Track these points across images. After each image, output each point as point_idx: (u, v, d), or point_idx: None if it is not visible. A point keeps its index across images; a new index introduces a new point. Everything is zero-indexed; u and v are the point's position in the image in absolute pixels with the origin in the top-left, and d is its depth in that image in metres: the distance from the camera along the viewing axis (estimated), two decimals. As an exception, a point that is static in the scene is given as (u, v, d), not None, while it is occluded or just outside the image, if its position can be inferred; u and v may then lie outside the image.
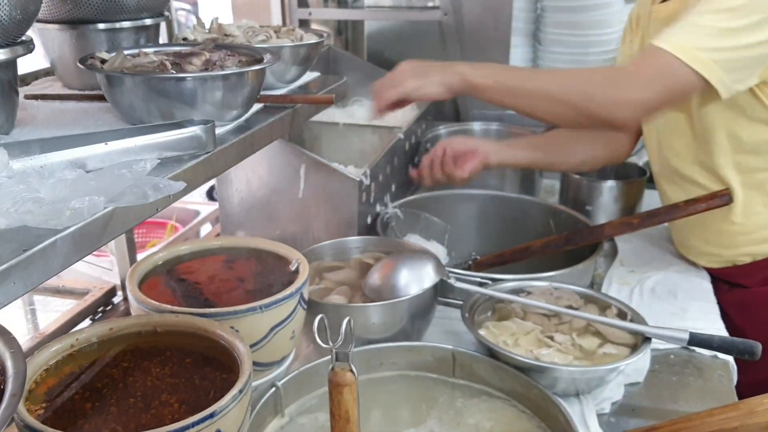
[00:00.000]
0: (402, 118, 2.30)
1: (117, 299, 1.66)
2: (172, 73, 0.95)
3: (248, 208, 1.81)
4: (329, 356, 0.93)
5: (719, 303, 1.66)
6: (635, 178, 2.05)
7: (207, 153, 0.90)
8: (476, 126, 2.47)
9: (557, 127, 2.12)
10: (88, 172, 0.78)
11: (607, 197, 2.00)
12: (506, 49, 2.48)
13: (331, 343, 0.86)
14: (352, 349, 0.87)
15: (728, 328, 1.56)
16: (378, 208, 1.86)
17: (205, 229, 2.57)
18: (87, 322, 1.57)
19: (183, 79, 0.92)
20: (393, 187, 1.99)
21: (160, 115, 0.95)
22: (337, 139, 2.14)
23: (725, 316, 1.61)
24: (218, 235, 1.92)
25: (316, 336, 0.86)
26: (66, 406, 0.99)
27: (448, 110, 2.59)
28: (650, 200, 2.11)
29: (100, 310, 1.60)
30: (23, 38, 0.93)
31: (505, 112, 2.51)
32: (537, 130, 2.30)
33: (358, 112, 2.36)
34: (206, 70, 0.97)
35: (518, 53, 2.52)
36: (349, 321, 0.87)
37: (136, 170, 0.65)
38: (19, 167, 0.73)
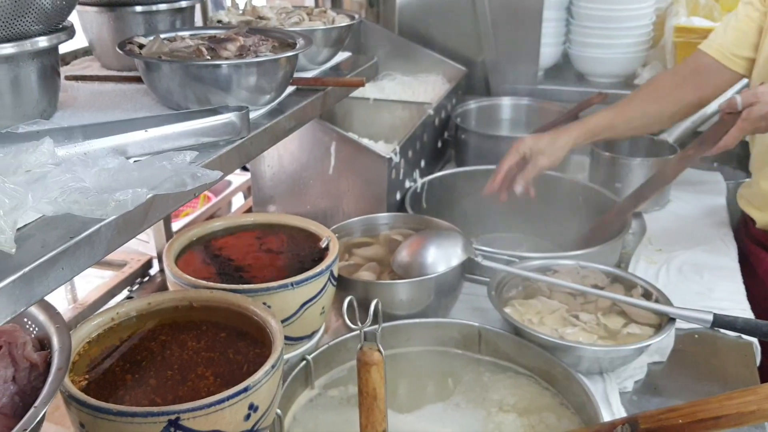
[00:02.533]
0: (433, 92, 2.31)
1: (153, 271, 1.71)
2: (208, 59, 0.98)
3: (279, 183, 1.84)
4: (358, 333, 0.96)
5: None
6: (666, 156, 2.04)
7: (241, 138, 0.92)
8: (506, 101, 2.47)
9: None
10: (128, 158, 0.82)
11: (637, 174, 1.99)
12: (538, 23, 2.47)
13: (359, 324, 0.89)
14: (380, 329, 0.90)
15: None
16: (407, 183, 1.88)
17: (237, 198, 2.61)
18: (125, 293, 1.63)
19: (218, 66, 0.95)
20: (422, 163, 2.01)
21: (196, 99, 0.98)
22: (367, 114, 2.16)
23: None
24: (250, 208, 1.96)
25: (345, 317, 0.90)
26: (107, 378, 1.03)
27: (479, 85, 2.58)
28: (682, 176, 2.11)
29: (137, 281, 1.65)
30: (65, 23, 0.97)
31: (536, 86, 2.51)
32: (568, 107, 2.30)
33: (388, 86, 2.37)
34: (241, 56, 1.00)
35: (550, 27, 2.50)
36: (377, 303, 0.90)
37: (176, 162, 0.68)
38: (63, 154, 0.77)
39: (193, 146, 0.88)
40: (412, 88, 2.37)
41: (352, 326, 0.90)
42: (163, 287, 1.67)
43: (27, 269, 0.61)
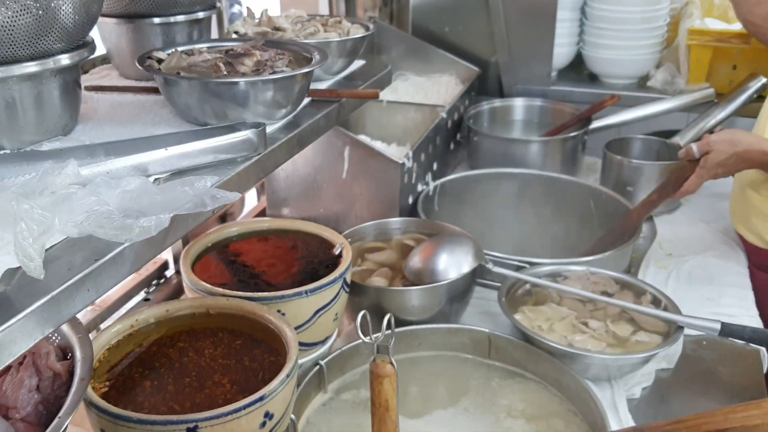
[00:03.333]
0: (446, 93, 2.33)
1: (169, 272, 1.74)
2: (225, 75, 1.00)
3: (293, 186, 1.87)
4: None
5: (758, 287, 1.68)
6: (678, 160, 2.04)
7: (258, 154, 0.95)
8: (519, 102, 2.48)
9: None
10: (149, 176, 0.84)
11: (649, 178, 2.00)
12: (552, 23, 2.47)
13: (373, 338, 0.92)
14: (392, 343, 0.93)
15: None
16: (420, 187, 1.90)
17: (250, 196, 2.63)
18: (142, 294, 1.66)
19: (236, 83, 0.97)
20: (435, 166, 2.03)
21: (213, 114, 1.01)
22: (380, 116, 2.18)
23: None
24: (264, 209, 1.98)
25: (359, 331, 0.92)
26: (127, 384, 1.06)
27: (492, 85, 2.59)
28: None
29: (153, 283, 1.68)
30: (86, 39, 0.99)
31: (549, 87, 2.52)
32: (581, 107, 2.31)
33: (401, 86, 2.39)
34: (257, 71, 1.02)
35: (564, 27, 2.51)
36: (390, 317, 0.92)
37: (197, 187, 0.71)
38: (87, 173, 0.79)
39: (211, 163, 0.90)
40: (425, 89, 2.39)
41: (366, 340, 0.92)
42: (178, 289, 1.70)
43: (55, 293, 0.63)
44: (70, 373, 0.93)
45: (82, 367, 0.90)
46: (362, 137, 1.93)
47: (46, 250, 0.68)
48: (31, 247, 0.59)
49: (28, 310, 0.61)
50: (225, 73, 1.01)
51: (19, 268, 0.64)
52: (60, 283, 0.64)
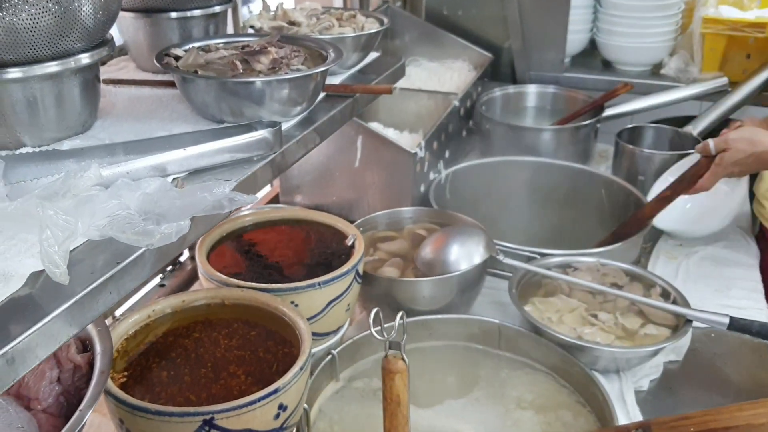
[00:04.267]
0: (458, 80, 2.33)
1: (183, 257, 1.76)
2: (242, 73, 1.02)
3: (306, 174, 1.88)
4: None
5: None
6: (690, 149, 2.04)
7: (274, 153, 0.96)
8: (532, 88, 2.48)
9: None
10: (167, 176, 0.86)
11: (661, 168, 2.00)
12: (566, 9, 2.46)
13: (385, 335, 0.94)
14: (405, 340, 0.95)
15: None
16: (432, 175, 1.91)
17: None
18: (157, 279, 1.68)
19: (252, 82, 0.99)
20: (447, 153, 2.04)
21: (230, 112, 1.02)
22: (393, 103, 2.18)
23: None
24: (277, 195, 2.00)
25: (372, 329, 0.94)
26: (144, 374, 1.09)
27: (505, 71, 2.59)
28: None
29: (168, 269, 1.71)
30: (105, 37, 1.00)
31: (562, 74, 2.52)
32: (593, 95, 2.31)
33: (414, 72, 2.39)
34: (273, 69, 1.03)
35: (578, 14, 2.50)
36: (402, 315, 0.94)
37: (216, 193, 0.72)
38: (108, 174, 0.81)
39: (227, 162, 0.92)
40: (438, 75, 2.39)
41: (379, 338, 0.94)
42: (193, 275, 1.73)
43: (79, 296, 0.65)
44: (90, 365, 0.96)
45: (102, 360, 0.93)
46: (374, 124, 1.95)
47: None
48: (56, 254, 0.61)
49: (54, 314, 0.63)
50: (241, 71, 1.03)
51: (44, 270, 0.66)
52: (84, 286, 0.66)
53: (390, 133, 1.93)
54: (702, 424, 1.00)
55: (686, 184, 1.63)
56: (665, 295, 1.47)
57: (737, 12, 2.33)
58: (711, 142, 1.57)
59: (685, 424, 1.02)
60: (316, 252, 1.41)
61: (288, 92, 1.02)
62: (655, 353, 1.35)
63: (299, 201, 1.94)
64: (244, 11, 1.82)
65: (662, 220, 1.76)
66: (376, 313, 0.95)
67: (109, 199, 0.73)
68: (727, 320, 1.35)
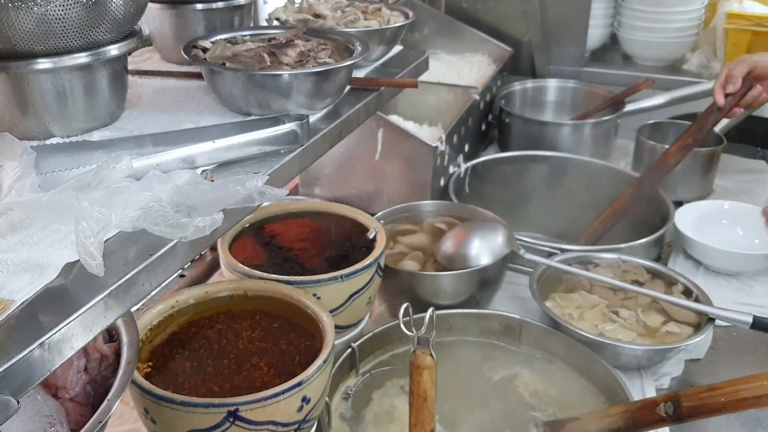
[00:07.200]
0: (478, 74, 2.32)
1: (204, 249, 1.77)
2: (269, 66, 1.02)
3: (326, 166, 1.88)
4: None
5: None
6: (711, 146, 2.03)
7: (301, 146, 0.96)
8: (552, 83, 2.47)
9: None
10: (196, 167, 0.86)
11: (681, 164, 1.99)
12: (587, 3, 2.45)
13: (414, 331, 0.94)
14: (433, 335, 0.95)
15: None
16: (451, 169, 1.91)
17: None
18: (178, 270, 1.69)
19: (280, 75, 0.99)
20: (466, 147, 2.03)
21: (257, 104, 1.02)
22: (413, 96, 2.17)
23: None
24: (297, 185, 2.00)
25: (402, 324, 0.94)
26: (168, 365, 1.10)
27: (525, 65, 2.58)
28: (726, 165, 2.11)
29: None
30: (134, 28, 1.01)
31: (582, 69, 2.50)
32: (614, 90, 2.30)
33: (433, 65, 2.37)
34: (301, 62, 1.03)
35: (599, 8, 2.49)
36: (432, 311, 0.94)
37: (249, 186, 0.73)
38: (138, 166, 0.81)
39: (255, 155, 0.92)
40: (458, 69, 2.38)
41: (408, 333, 0.94)
42: (214, 265, 1.73)
43: (113, 288, 0.66)
44: (117, 355, 0.97)
45: (129, 351, 0.93)
46: (394, 117, 1.94)
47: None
48: (92, 245, 0.61)
49: (89, 305, 0.63)
50: (268, 63, 1.03)
51: (77, 261, 0.66)
52: (117, 278, 0.67)
53: (410, 126, 1.92)
54: (732, 394, 0.99)
55: (705, 133, 1.66)
56: (687, 292, 1.46)
57: (762, 7, 2.31)
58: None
59: (715, 395, 1.01)
60: (336, 244, 1.41)
61: (315, 85, 1.02)
62: (677, 351, 1.35)
63: (318, 193, 1.94)
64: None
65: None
66: (406, 308, 0.95)
67: (141, 190, 0.74)
68: (750, 319, 1.34)
